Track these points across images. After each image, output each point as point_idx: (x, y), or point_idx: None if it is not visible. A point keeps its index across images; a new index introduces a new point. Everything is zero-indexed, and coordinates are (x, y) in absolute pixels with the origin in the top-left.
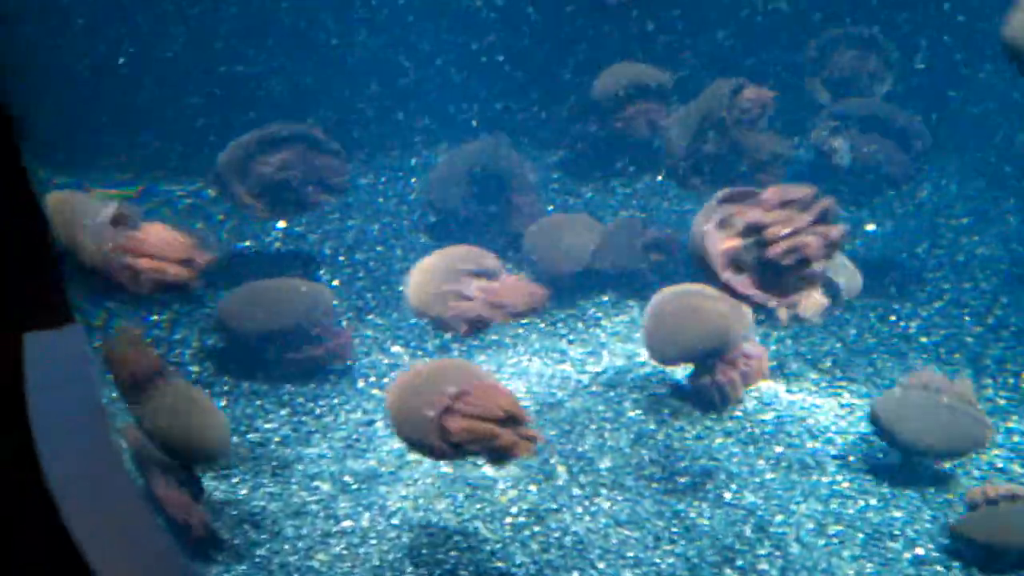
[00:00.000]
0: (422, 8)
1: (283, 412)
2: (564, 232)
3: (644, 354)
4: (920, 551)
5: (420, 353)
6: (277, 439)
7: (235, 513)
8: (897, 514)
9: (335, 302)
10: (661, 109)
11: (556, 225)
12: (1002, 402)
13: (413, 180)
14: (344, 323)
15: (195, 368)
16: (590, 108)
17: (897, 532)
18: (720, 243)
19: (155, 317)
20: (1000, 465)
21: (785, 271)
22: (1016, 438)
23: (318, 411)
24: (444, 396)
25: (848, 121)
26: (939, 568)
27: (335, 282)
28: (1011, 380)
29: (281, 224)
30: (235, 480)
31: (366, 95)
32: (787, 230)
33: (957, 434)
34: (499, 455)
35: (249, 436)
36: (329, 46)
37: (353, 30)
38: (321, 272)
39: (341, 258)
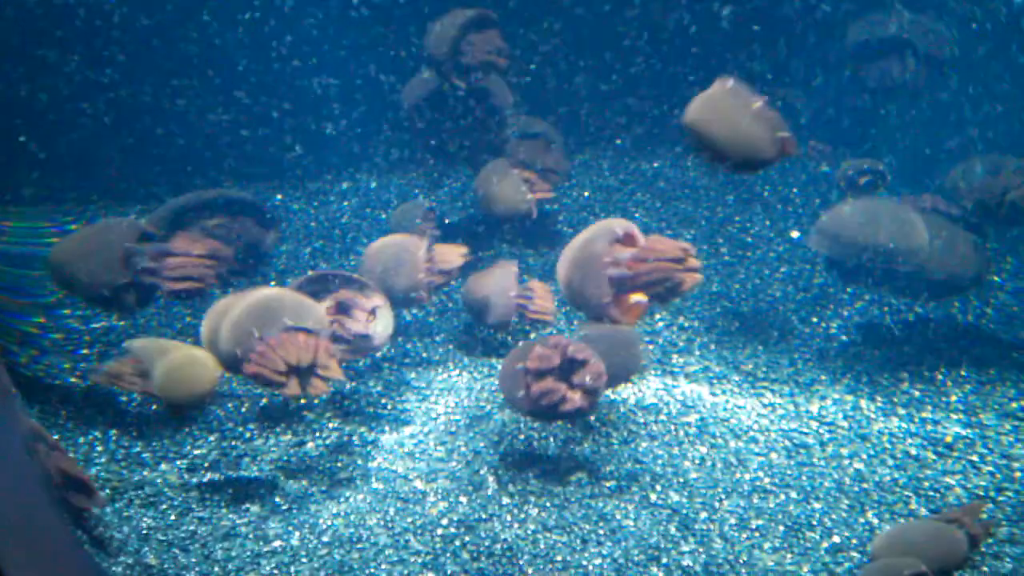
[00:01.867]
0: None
1: (212, 437)
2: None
3: None
4: (837, 539)
5: (352, 372)
6: (207, 464)
7: (163, 539)
8: (816, 505)
9: None
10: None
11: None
12: (917, 394)
13: (345, 203)
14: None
15: (124, 398)
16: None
17: (816, 522)
18: (521, 389)
19: (84, 351)
20: (914, 452)
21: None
22: (930, 427)
23: (248, 434)
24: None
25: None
26: (854, 554)
27: None
28: (927, 373)
29: None
30: (163, 507)
31: (298, 123)
32: (553, 400)
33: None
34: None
35: (178, 463)
36: (262, 80)
37: (286, 66)
38: None
39: (272, 282)
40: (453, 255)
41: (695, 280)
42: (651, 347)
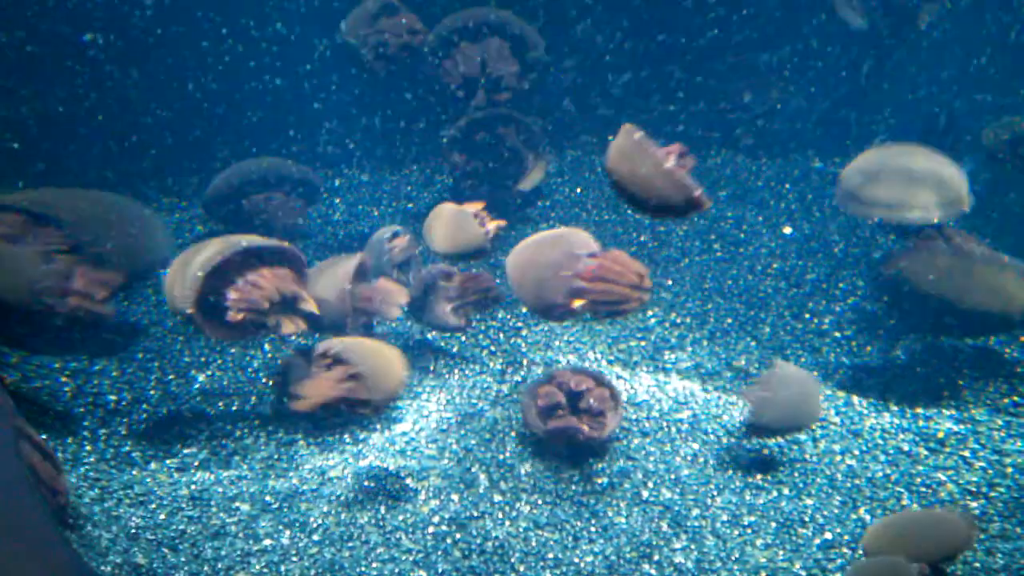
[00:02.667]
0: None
1: (202, 436)
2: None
3: (563, 361)
4: (829, 535)
5: None
6: (196, 463)
7: (152, 538)
8: (808, 501)
9: None
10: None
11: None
12: (909, 389)
13: (337, 200)
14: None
15: (113, 397)
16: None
17: (808, 519)
18: (535, 411)
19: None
20: (906, 448)
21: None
22: (922, 423)
23: (238, 433)
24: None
25: None
26: (846, 551)
27: None
28: (919, 369)
29: None
30: (152, 506)
31: (291, 119)
32: (567, 432)
33: None
34: None
35: (168, 462)
36: (252, 75)
37: (276, 61)
38: None
39: None
40: (393, 304)
41: (642, 303)
42: (643, 343)
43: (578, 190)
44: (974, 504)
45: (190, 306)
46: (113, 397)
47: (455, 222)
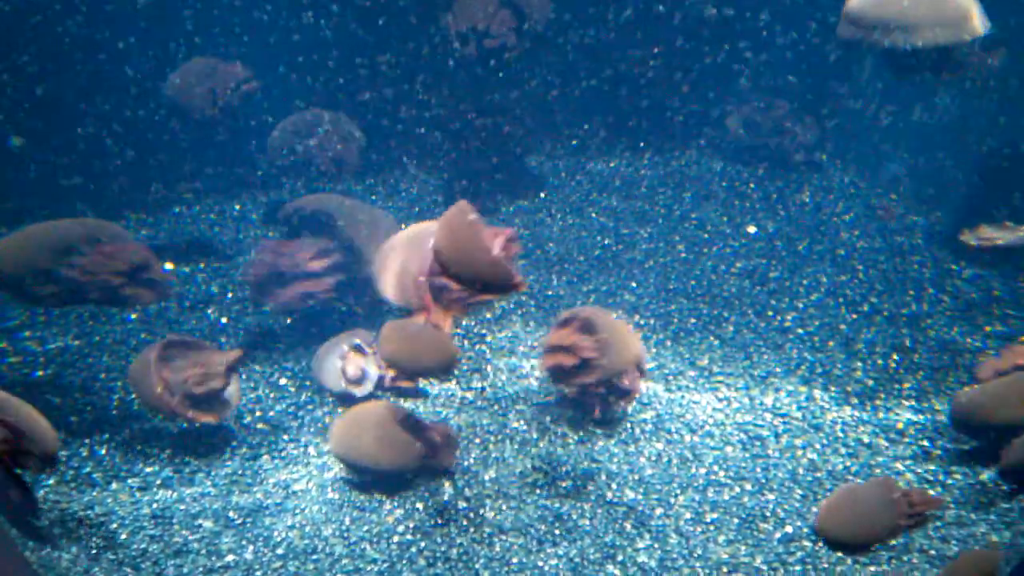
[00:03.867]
0: None
1: (164, 455)
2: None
3: (527, 367)
4: (789, 529)
5: (308, 384)
6: (159, 482)
7: (113, 558)
8: (770, 496)
9: (223, 339)
10: None
11: None
12: (870, 383)
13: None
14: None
15: (74, 418)
16: None
17: (769, 514)
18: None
19: (40, 373)
20: (866, 440)
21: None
22: (882, 414)
23: (201, 449)
24: None
25: None
26: (806, 543)
27: (223, 319)
28: (880, 361)
29: (168, 266)
30: (114, 526)
31: (256, 129)
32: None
33: None
34: None
35: (129, 482)
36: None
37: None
38: (209, 310)
39: (229, 295)
40: (218, 376)
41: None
42: None
43: (541, 195)
44: (931, 493)
45: (49, 286)
46: (74, 418)
47: (411, 344)
